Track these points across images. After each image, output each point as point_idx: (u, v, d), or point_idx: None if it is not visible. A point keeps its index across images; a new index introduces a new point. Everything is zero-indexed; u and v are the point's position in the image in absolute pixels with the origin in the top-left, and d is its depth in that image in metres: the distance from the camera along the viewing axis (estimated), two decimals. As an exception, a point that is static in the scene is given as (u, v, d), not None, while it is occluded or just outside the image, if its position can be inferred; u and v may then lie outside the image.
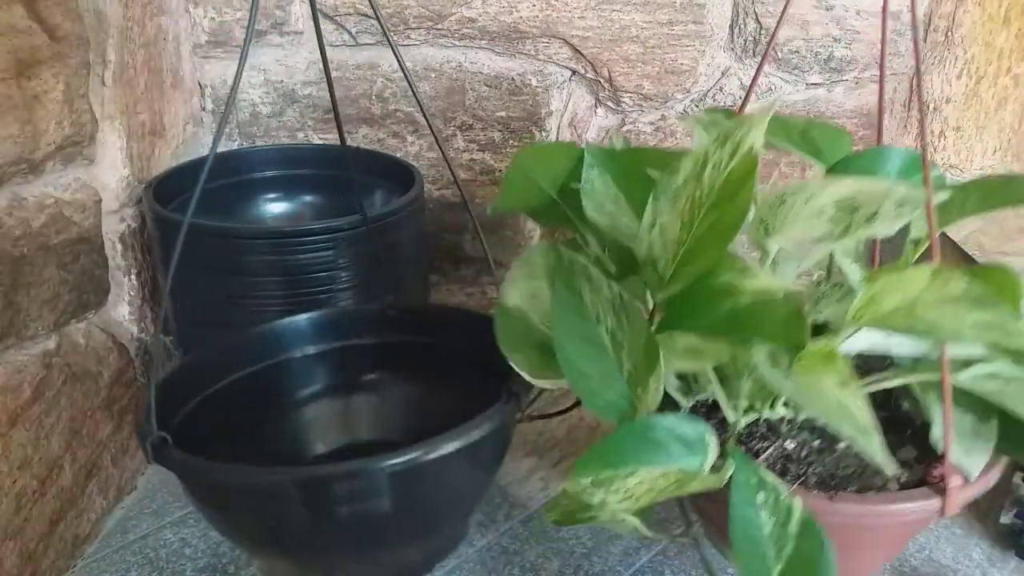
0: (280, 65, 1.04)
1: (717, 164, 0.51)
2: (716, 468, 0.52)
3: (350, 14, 1.02)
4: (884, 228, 0.48)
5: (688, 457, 0.50)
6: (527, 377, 0.57)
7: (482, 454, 0.60)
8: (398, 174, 0.94)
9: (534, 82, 1.05)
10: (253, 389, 0.71)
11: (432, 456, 0.53)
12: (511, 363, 0.58)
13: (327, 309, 0.78)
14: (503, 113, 1.07)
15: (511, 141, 1.09)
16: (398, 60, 0.50)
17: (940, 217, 0.57)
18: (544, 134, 1.07)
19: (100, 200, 0.77)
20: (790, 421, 0.60)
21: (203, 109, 1.06)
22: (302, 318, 0.75)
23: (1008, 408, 0.50)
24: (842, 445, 0.58)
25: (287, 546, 0.58)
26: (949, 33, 1.06)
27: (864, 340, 0.54)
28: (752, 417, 0.59)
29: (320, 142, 1.08)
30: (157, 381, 0.58)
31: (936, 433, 0.54)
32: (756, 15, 1.02)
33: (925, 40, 1.07)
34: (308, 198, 1.04)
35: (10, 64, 0.63)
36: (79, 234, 0.73)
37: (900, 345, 0.55)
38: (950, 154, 1.14)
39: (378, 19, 0.48)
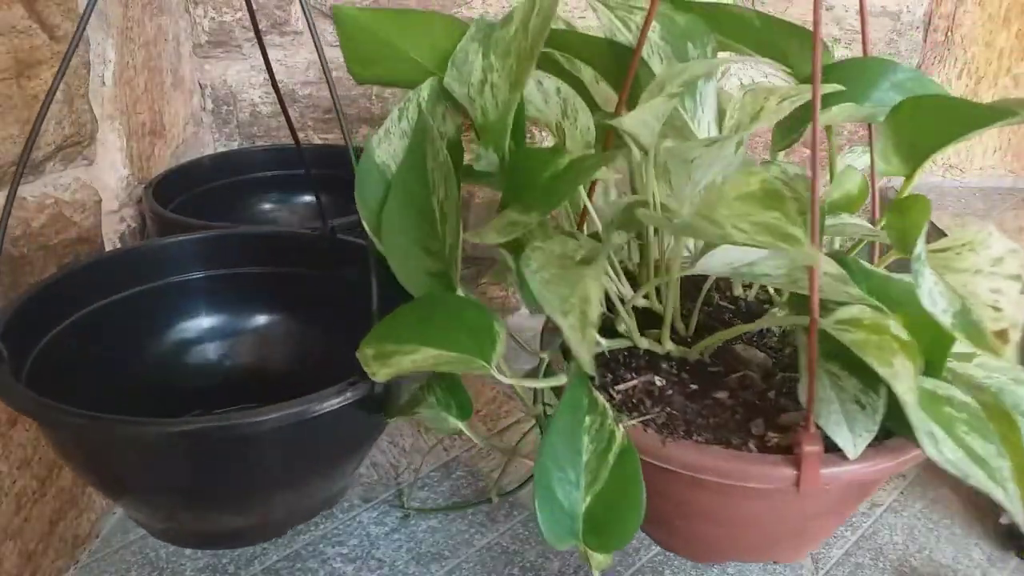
0: (280, 65, 1.04)
1: (543, 9, 0.44)
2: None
3: (350, 14, 1.02)
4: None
5: (471, 344, 0.45)
6: (373, 238, 0.52)
7: (310, 431, 0.50)
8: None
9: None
10: (130, 313, 0.65)
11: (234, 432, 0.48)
12: (362, 220, 0.53)
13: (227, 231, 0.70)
14: (503, 113, 1.07)
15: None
16: (318, 50, 0.49)
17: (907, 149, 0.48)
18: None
19: (100, 200, 0.77)
20: (681, 361, 0.53)
21: (203, 109, 1.06)
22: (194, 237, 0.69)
23: (868, 361, 0.41)
24: (721, 394, 0.50)
25: (116, 487, 0.55)
26: (949, 33, 1.06)
27: (719, 258, 0.45)
28: (624, 343, 0.52)
29: (320, 142, 1.08)
30: (22, 297, 0.54)
31: (801, 391, 0.43)
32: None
33: (925, 40, 1.07)
34: (308, 198, 1.04)
35: (10, 64, 0.63)
36: (79, 234, 0.73)
37: (763, 264, 0.45)
38: (949, 153, 1.14)
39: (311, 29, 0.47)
